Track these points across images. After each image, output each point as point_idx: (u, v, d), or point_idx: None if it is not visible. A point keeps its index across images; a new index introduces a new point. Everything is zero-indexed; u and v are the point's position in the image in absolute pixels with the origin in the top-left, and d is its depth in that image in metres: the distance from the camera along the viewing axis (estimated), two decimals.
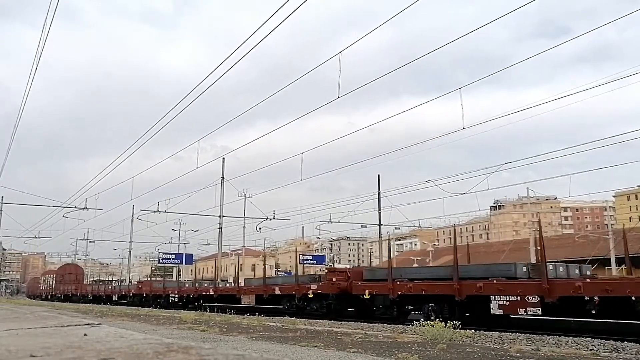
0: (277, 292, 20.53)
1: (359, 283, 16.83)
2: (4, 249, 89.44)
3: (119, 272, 78.26)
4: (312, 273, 28.45)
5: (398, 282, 15.12)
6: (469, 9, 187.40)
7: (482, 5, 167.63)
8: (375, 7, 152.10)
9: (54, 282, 64.57)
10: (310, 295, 18.49)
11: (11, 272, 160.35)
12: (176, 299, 29.03)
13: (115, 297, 39.10)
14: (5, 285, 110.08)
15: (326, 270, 20.77)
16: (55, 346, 2.32)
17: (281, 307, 20.00)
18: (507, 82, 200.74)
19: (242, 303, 22.51)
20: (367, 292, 16.08)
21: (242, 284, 24.37)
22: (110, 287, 45.80)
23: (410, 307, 14.61)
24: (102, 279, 79.71)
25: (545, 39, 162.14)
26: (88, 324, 3.71)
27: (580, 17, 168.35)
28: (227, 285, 29.20)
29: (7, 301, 40.36)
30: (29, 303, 35.20)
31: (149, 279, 49.17)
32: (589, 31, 16.65)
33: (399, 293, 14.84)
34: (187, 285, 30.69)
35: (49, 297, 62.68)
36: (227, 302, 23.52)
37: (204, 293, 26.09)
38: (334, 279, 17.84)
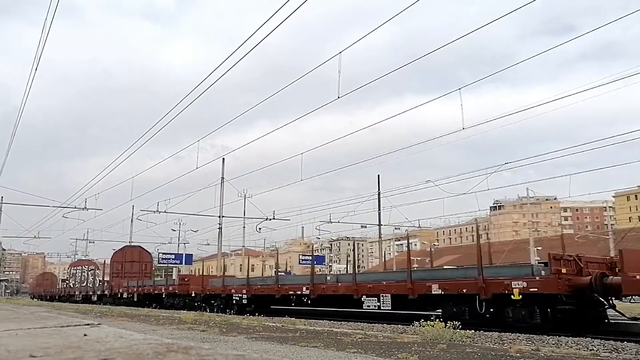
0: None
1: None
2: (4, 249, 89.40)
3: None
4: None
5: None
6: (472, 6, 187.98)
7: (486, 2, 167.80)
8: (377, 5, 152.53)
9: (99, 275, 46.07)
10: None
11: (11, 272, 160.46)
12: None
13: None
14: (5, 285, 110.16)
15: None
16: (55, 346, 2.32)
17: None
18: (511, 80, 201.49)
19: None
20: None
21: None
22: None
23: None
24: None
25: (550, 36, 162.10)
26: (88, 324, 3.71)
27: (585, 15, 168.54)
28: None
29: (7, 301, 40.31)
30: (28, 303, 35.17)
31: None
32: (595, 29, 16.72)
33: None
34: None
35: (92, 298, 42.10)
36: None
37: None
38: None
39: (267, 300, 20.51)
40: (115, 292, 37.68)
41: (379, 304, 14.81)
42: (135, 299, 32.97)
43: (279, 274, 24.34)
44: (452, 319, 12.50)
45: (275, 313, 18.50)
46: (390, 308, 14.70)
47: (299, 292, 18.21)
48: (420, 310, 14.19)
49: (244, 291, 21.33)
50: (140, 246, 47.59)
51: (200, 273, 28.80)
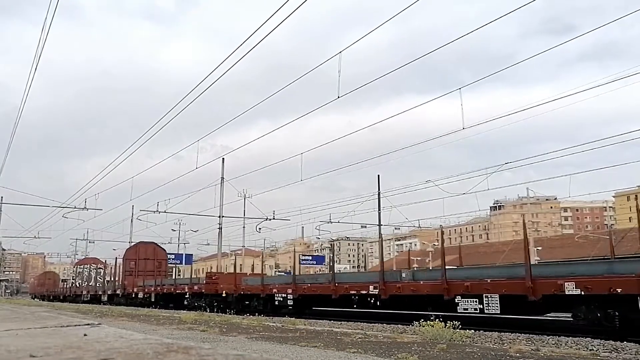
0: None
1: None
2: (4, 249, 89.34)
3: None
4: (312, 273, 27.71)
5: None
6: (472, 6, 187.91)
7: (486, 2, 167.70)
8: (378, 5, 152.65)
9: (107, 274, 43.95)
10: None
11: (11, 273, 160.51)
12: None
13: None
14: (5, 285, 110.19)
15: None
16: (55, 346, 2.32)
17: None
18: (512, 80, 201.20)
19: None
20: None
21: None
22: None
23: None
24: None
25: (551, 36, 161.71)
26: (88, 324, 3.71)
27: (585, 15, 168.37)
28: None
29: (7, 301, 40.29)
30: (28, 303, 35.16)
31: None
32: (595, 29, 16.70)
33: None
34: None
35: (102, 299, 39.91)
36: None
37: None
38: None
39: (318, 302, 18.12)
40: (129, 291, 34.89)
41: (480, 306, 12.30)
42: (152, 299, 30.25)
43: (279, 273, 24.30)
44: (592, 326, 10.43)
45: (326, 316, 16.55)
46: (498, 312, 12.08)
47: (363, 292, 15.54)
48: (538, 314, 12.30)
49: (289, 291, 18.53)
50: (154, 242, 44.36)
51: (234, 270, 24.63)
